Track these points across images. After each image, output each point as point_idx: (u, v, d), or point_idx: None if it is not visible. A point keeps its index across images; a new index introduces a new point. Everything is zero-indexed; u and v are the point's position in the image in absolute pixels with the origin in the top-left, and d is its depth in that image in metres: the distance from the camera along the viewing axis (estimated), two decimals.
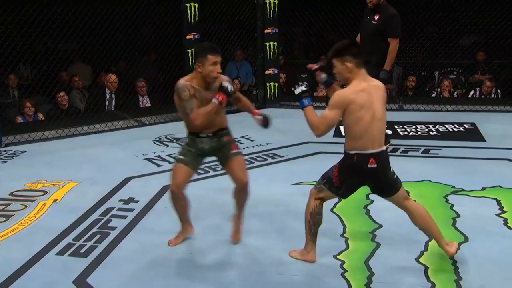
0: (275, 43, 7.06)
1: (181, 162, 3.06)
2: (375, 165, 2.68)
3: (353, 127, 2.65)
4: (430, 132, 5.82)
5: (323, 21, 7.63)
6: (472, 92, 7.65)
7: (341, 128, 5.87)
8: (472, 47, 7.88)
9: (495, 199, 3.78)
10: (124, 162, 4.89)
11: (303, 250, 2.98)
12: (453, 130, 5.88)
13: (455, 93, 7.62)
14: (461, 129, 5.90)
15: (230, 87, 2.93)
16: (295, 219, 3.52)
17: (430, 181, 4.22)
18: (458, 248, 2.94)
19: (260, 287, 2.76)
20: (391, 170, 2.79)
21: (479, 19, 7.13)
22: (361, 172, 2.72)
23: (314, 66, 2.91)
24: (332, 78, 2.89)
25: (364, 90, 2.64)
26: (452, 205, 3.70)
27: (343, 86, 2.84)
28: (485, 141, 5.41)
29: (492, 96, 7.37)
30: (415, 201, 2.95)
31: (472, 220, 3.44)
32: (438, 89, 7.58)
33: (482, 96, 7.45)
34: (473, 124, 6.03)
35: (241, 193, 3.14)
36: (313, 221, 2.88)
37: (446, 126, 6.03)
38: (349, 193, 2.86)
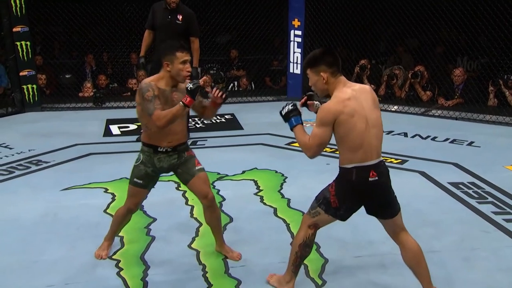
0: (28, 43, 6.45)
1: (139, 187, 2.79)
2: (377, 178, 2.34)
3: (347, 137, 2.32)
4: (196, 125, 6.10)
5: (84, 18, 7.30)
6: (230, 86, 8.29)
7: (112, 127, 5.91)
8: (227, 45, 8.51)
9: (253, 180, 4.18)
10: None
11: (281, 277, 2.64)
12: (216, 121, 6.29)
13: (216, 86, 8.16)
14: (223, 120, 6.34)
15: (192, 86, 2.59)
16: (68, 226, 3.33)
17: None
18: None
19: None
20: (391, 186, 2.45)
21: (231, 20, 7.75)
22: (362, 188, 2.35)
23: (302, 101, 2.59)
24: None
25: (351, 98, 2.33)
26: (219, 190, 3.96)
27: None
28: (243, 129, 5.92)
29: (247, 88, 8.12)
30: (411, 237, 2.51)
31: (235, 202, 3.74)
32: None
33: (241, 89, 8.14)
34: (232, 114, 6.54)
35: (212, 211, 2.86)
36: (301, 253, 2.52)
37: None
38: (349, 214, 2.45)
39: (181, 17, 4.84)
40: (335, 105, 2.32)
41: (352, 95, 2.34)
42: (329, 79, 2.37)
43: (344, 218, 2.46)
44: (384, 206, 2.45)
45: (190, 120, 6.20)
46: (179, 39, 4.68)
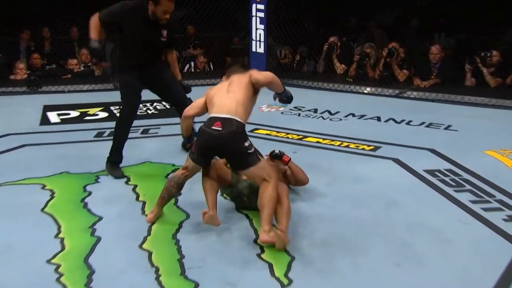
0: None
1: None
2: (221, 128, 3.05)
3: (210, 100, 3.25)
4: (148, 111, 6.03)
5: None
6: (187, 67, 8.21)
7: (50, 115, 5.75)
8: (182, 20, 8.39)
9: None
10: None
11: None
12: (170, 106, 6.21)
13: None
14: None
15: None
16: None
17: (150, 161, 4.39)
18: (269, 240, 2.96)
19: None
20: (246, 143, 3.10)
21: None
22: (208, 134, 3.08)
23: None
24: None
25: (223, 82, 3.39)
26: None
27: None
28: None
29: (205, 70, 8.06)
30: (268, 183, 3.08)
31: (193, 196, 3.69)
32: None
33: (198, 70, 8.07)
34: (189, 99, 6.46)
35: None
36: (167, 184, 3.25)
37: (163, 103, 6.32)
38: (202, 159, 3.20)
39: (165, 32, 4.03)
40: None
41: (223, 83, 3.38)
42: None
43: (199, 162, 3.21)
44: (233, 160, 3.17)
45: (140, 105, 6.11)
46: (154, 54, 4.09)
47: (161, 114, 5.93)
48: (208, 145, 3.13)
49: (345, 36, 7.97)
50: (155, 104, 6.27)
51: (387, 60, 7.09)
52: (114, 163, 4.13)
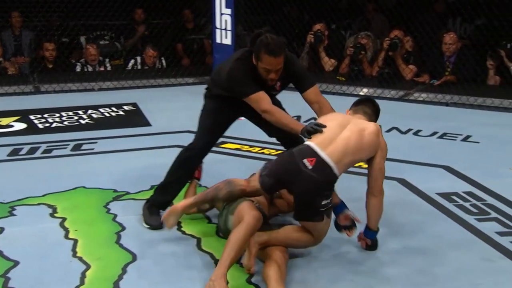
0: None
1: None
2: (311, 167, 3.11)
3: None
4: (81, 121, 5.99)
5: None
6: (131, 63, 8.19)
7: None
8: (124, 3, 8.35)
9: None
10: None
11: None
12: (111, 114, 6.21)
13: (108, 64, 8.01)
14: (121, 113, 6.29)
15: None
16: None
17: (84, 187, 4.35)
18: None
19: None
20: (323, 202, 3.15)
21: None
22: (293, 161, 3.18)
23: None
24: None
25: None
26: (115, 216, 3.89)
27: None
28: (151, 125, 5.90)
29: (156, 66, 8.03)
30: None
31: (140, 232, 3.67)
32: (83, 60, 7.84)
33: (146, 68, 8.04)
34: (134, 104, 6.48)
35: None
36: (222, 185, 3.41)
37: (101, 110, 6.31)
38: (269, 183, 3.27)
39: (279, 84, 3.90)
40: None
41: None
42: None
43: (264, 183, 3.27)
44: (297, 203, 3.21)
45: (71, 113, 6.10)
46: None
47: (98, 124, 5.88)
48: (286, 174, 3.19)
49: (335, 23, 8.06)
50: (89, 111, 6.22)
51: (389, 53, 7.18)
52: (153, 207, 3.85)
